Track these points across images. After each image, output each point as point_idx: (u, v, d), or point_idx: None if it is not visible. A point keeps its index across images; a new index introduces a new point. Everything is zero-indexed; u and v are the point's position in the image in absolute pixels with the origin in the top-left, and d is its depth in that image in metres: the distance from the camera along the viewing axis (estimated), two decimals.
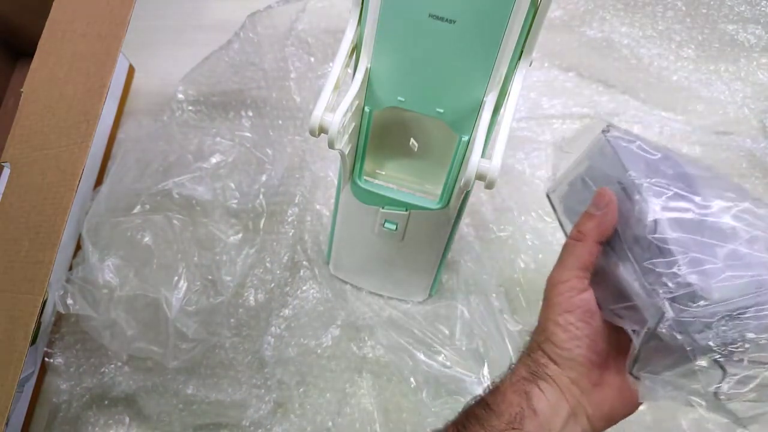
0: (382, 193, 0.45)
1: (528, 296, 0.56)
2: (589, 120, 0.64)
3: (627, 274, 0.33)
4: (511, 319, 0.55)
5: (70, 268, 0.59)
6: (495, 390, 0.35)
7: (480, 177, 0.36)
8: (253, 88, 0.66)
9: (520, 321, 0.55)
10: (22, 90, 0.53)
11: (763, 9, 0.65)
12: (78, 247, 0.60)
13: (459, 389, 0.52)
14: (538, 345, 0.35)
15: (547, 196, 0.42)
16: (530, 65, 0.37)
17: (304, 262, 0.59)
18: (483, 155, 0.36)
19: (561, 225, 0.41)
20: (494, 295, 0.56)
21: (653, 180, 0.33)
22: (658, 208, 0.32)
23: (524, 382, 0.34)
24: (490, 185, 0.36)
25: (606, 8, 0.67)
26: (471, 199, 0.57)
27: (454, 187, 0.43)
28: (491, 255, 0.58)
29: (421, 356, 0.53)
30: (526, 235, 0.58)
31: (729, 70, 0.64)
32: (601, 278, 0.34)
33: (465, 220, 0.59)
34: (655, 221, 0.31)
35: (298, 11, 0.68)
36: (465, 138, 0.40)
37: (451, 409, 0.52)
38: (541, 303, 0.36)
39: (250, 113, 0.66)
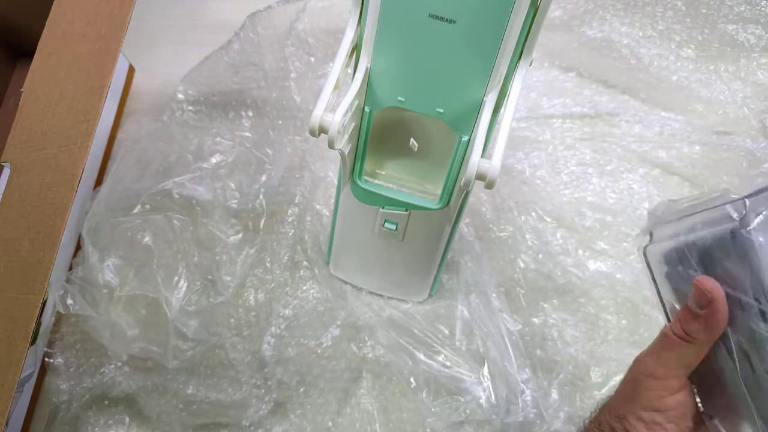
0: (382, 193, 0.45)
1: (528, 296, 0.56)
2: (589, 127, 0.64)
3: (740, 392, 0.29)
4: (511, 319, 0.55)
5: (70, 268, 0.59)
6: None
7: (480, 177, 0.36)
8: (253, 88, 0.66)
9: (520, 321, 0.55)
10: (22, 90, 0.53)
11: (763, 9, 0.65)
12: (78, 247, 0.60)
13: (459, 389, 0.52)
14: None
15: (644, 254, 0.35)
16: (530, 65, 0.37)
17: (304, 262, 0.59)
18: (483, 155, 0.36)
19: (656, 286, 0.34)
20: (494, 295, 0.56)
21: None
22: None
23: None
24: (490, 185, 0.36)
25: (606, 8, 0.67)
26: (471, 199, 0.57)
27: (454, 187, 0.43)
28: (491, 255, 0.58)
29: (421, 356, 0.53)
30: (526, 235, 0.58)
31: (729, 70, 0.64)
32: (704, 370, 0.30)
33: (465, 220, 0.59)
34: None
35: (298, 11, 0.68)
36: (465, 138, 0.40)
37: (451, 408, 0.52)
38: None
39: (250, 113, 0.66)
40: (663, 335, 0.31)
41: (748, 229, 0.27)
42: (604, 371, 0.53)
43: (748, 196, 0.28)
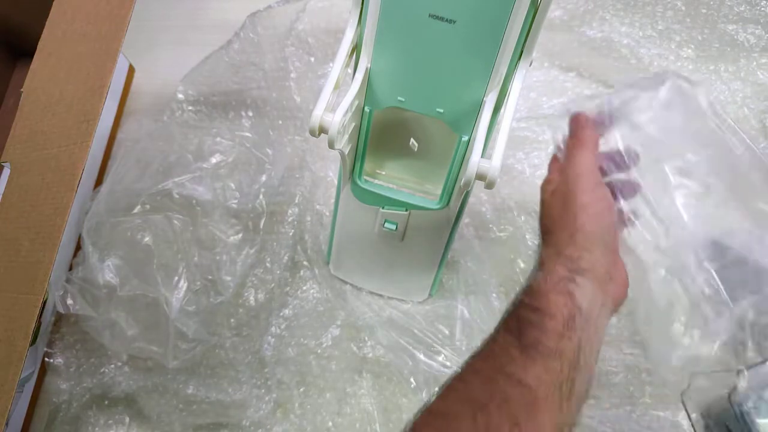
0: (382, 193, 0.45)
1: None
2: None
3: None
4: None
5: (70, 268, 0.59)
6: (536, 293, 0.34)
7: (480, 177, 0.36)
8: (253, 88, 0.66)
9: None
10: (22, 90, 0.53)
11: (763, 9, 0.65)
12: (78, 247, 0.60)
13: None
14: (569, 238, 0.35)
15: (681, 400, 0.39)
16: (530, 65, 0.37)
17: (304, 262, 0.59)
18: (483, 155, 0.36)
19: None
20: (494, 295, 0.56)
21: None
22: None
23: (565, 281, 0.34)
24: (490, 185, 0.36)
25: (606, 8, 0.67)
26: (471, 199, 0.57)
27: (454, 187, 0.43)
28: (491, 255, 0.58)
29: (421, 356, 0.53)
30: (526, 235, 0.58)
31: (729, 70, 0.64)
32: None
33: (465, 220, 0.59)
34: None
35: (298, 11, 0.68)
36: (465, 138, 0.40)
37: None
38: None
39: (250, 113, 0.66)
40: (572, 145, 0.38)
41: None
42: (603, 371, 0.53)
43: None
